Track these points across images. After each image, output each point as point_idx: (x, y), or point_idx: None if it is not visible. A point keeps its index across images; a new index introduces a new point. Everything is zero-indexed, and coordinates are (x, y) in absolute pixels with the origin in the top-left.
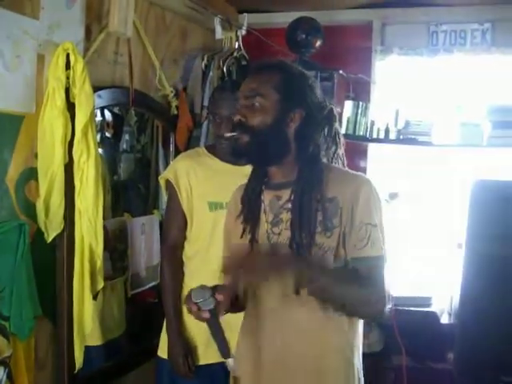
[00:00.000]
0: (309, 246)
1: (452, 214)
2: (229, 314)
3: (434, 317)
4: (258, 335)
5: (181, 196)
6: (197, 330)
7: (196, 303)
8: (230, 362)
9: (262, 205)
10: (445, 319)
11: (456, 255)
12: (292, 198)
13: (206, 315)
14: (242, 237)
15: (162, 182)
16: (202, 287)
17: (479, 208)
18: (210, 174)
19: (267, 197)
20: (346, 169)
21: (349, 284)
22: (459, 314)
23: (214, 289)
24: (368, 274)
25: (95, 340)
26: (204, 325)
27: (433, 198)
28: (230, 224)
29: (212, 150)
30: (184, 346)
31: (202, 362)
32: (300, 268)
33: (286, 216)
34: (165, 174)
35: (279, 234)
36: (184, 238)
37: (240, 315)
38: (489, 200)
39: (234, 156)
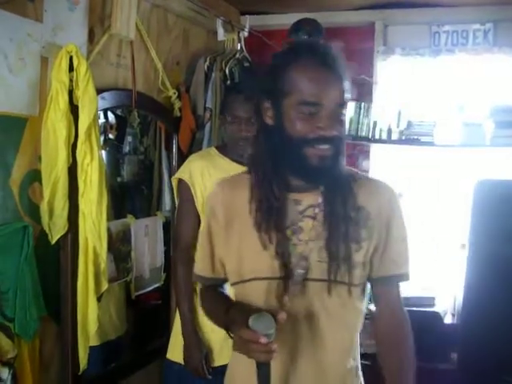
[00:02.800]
0: (348, 261)
1: (455, 214)
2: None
3: (437, 317)
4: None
5: (195, 196)
6: (212, 331)
7: (266, 335)
8: None
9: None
10: (448, 319)
11: (459, 255)
12: (320, 203)
13: (275, 349)
14: (265, 248)
15: (174, 183)
16: (262, 314)
17: (482, 208)
18: (223, 174)
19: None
20: (367, 175)
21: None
22: (463, 314)
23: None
24: (398, 292)
25: (96, 340)
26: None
27: (436, 199)
28: (218, 230)
29: (223, 150)
30: (201, 348)
31: (217, 363)
32: None
33: (309, 224)
34: (179, 174)
35: (302, 244)
36: (197, 238)
37: None
38: (492, 200)
39: (316, 173)
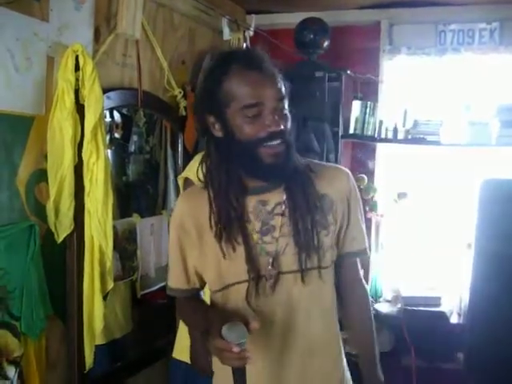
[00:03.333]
0: (317, 248)
1: (461, 214)
2: None
3: (443, 317)
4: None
5: None
6: None
7: (238, 344)
8: None
9: (245, 213)
10: (454, 319)
11: (465, 255)
12: (285, 200)
13: (249, 355)
14: (225, 257)
15: (180, 182)
16: (234, 323)
17: (488, 207)
18: None
19: (249, 203)
20: (320, 161)
21: (373, 329)
22: (469, 313)
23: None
24: (357, 265)
25: (101, 339)
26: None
27: (442, 198)
28: (189, 242)
29: None
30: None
31: None
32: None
33: (278, 221)
34: (185, 173)
35: (273, 242)
36: None
37: None
38: (498, 199)
39: (273, 169)
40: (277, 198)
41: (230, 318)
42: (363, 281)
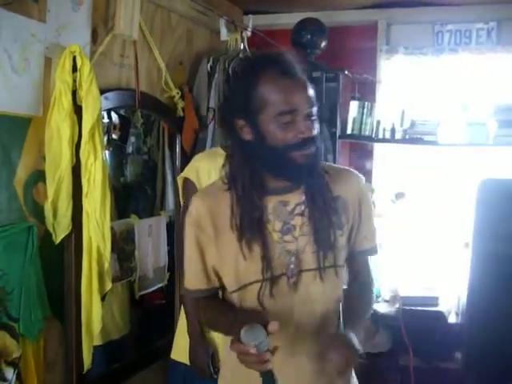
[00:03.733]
0: (333, 248)
1: (458, 214)
2: None
3: (441, 316)
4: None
5: None
6: (217, 333)
7: (256, 346)
8: None
9: (265, 213)
10: (452, 319)
11: (463, 254)
12: (304, 200)
13: (269, 358)
14: (245, 257)
15: (180, 182)
16: (252, 326)
17: (486, 207)
18: None
19: (269, 204)
20: (333, 164)
21: (369, 309)
22: (466, 313)
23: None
24: (368, 263)
25: (103, 340)
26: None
27: (439, 198)
28: (207, 241)
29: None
30: (207, 347)
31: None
32: (358, 348)
33: (298, 221)
34: (185, 173)
35: (294, 241)
36: None
37: None
38: (495, 199)
39: (303, 172)
40: (297, 198)
41: (248, 321)
42: (372, 277)
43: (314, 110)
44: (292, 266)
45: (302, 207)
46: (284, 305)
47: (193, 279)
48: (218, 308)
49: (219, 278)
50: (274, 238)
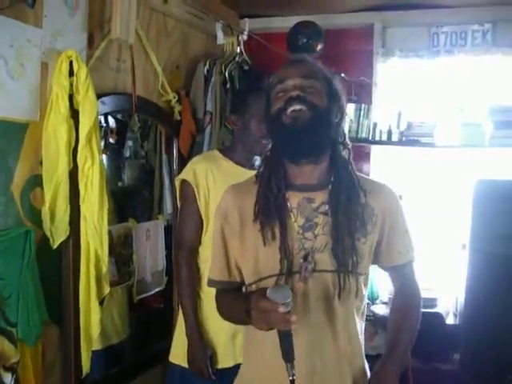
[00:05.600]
0: (351, 252)
1: (455, 215)
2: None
3: (439, 318)
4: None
5: (199, 198)
6: (216, 332)
7: (283, 304)
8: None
9: (288, 207)
10: (450, 320)
11: (460, 256)
12: (330, 201)
13: (294, 318)
14: (265, 244)
15: (177, 183)
16: (279, 285)
17: (482, 208)
18: (227, 177)
19: (294, 199)
20: (368, 177)
21: (412, 336)
22: (464, 314)
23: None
24: (412, 277)
25: (98, 344)
26: (223, 327)
27: (436, 199)
28: (232, 233)
29: (226, 153)
30: (205, 348)
31: (222, 365)
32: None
33: (321, 220)
34: (183, 175)
35: (313, 239)
36: (200, 240)
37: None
38: (492, 200)
39: (294, 132)
40: (322, 197)
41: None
42: (416, 285)
43: (311, 82)
44: (301, 261)
45: (327, 206)
46: (299, 301)
47: (216, 270)
48: (235, 295)
49: (240, 273)
50: (294, 232)
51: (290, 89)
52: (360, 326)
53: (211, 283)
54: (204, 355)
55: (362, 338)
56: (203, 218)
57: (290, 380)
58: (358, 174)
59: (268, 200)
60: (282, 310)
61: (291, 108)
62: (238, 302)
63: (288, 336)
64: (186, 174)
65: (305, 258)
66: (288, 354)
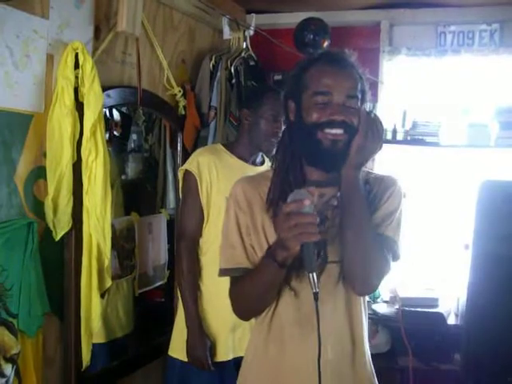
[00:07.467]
0: None
1: (459, 215)
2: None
3: (440, 318)
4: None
5: (201, 189)
6: (216, 325)
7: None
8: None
9: None
10: (452, 320)
11: (463, 256)
12: (340, 194)
13: (315, 219)
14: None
15: (180, 174)
16: (298, 190)
17: (486, 208)
18: (229, 171)
19: None
20: (374, 171)
21: (371, 235)
22: (466, 314)
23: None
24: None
25: (103, 338)
26: (222, 319)
27: (440, 199)
28: (245, 221)
29: (230, 148)
30: (205, 340)
31: (221, 358)
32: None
33: (331, 213)
34: (186, 166)
35: (323, 233)
36: (201, 232)
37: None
38: (496, 200)
39: (332, 156)
40: (333, 191)
41: None
42: (388, 263)
43: (353, 101)
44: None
45: (337, 201)
46: (309, 290)
47: (234, 257)
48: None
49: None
50: None
51: (334, 109)
52: (365, 313)
53: (226, 272)
54: (204, 346)
55: (365, 321)
56: (204, 209)
57: (314, 293)
58: (365, 170)
59: (284, 191)
60: (307, 202)
61: (332, 131)
62: (259, 264)
63: (309, 246)
64: (190, 164)
65: (318, 254)
66: (311, 264)
